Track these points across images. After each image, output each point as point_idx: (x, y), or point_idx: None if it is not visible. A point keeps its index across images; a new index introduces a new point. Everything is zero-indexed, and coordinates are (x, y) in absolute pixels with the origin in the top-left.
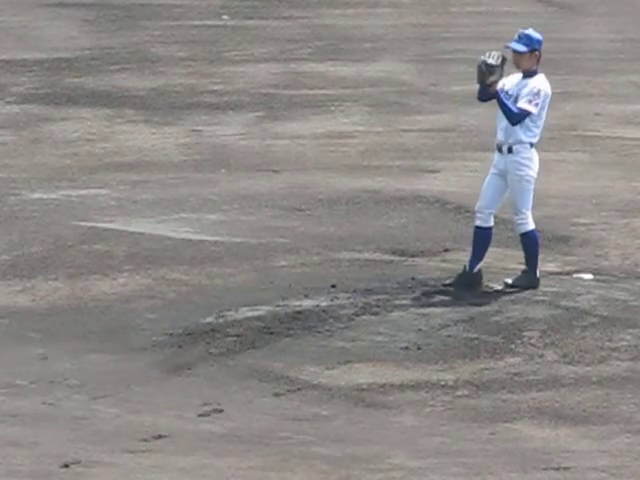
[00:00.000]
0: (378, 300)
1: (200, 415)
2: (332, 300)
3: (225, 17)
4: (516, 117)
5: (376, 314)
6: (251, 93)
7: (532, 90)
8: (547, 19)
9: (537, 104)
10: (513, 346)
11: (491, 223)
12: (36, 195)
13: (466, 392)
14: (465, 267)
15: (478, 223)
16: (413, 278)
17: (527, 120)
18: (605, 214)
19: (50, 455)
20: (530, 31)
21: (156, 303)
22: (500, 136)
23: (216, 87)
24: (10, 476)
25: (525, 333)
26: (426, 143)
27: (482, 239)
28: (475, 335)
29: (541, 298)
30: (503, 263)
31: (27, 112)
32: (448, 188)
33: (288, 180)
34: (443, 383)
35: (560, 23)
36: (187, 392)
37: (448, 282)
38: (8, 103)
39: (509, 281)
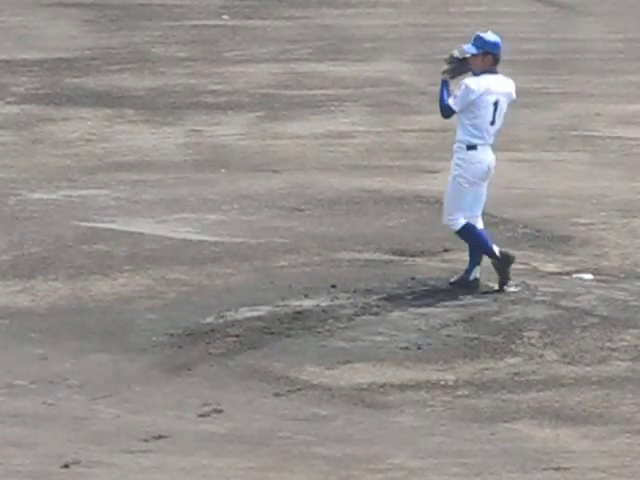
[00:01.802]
0: (378, 300)
1: (200, 415)
2: (332, 300)
3: (225, 17)
4: (441, 109)
5: (376, 314)
6: (251, 93)
7: (459, 85)
8: (547, 19)
9: (455, 96)
10: (513, 346)
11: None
12: (36, 195)
13: (466, 392)
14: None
15: None
16: (413, 278)
17: (464, 119)
18: (605, 214)
19: (50, 455)
20: (487, 34)
21: (156, 303)
22: None
23: (216, 87)
24: (10, 476)
25: (525, 333)
26: (426, 143)
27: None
28: (475, 335)
29: (541, 298)
30: None
31: (27, 112)
32: None
33: (288, 180)
34: (443, 383)
35: (560, 23)
36: (187, 392)
37: (453, 280)
38: (8, 103)
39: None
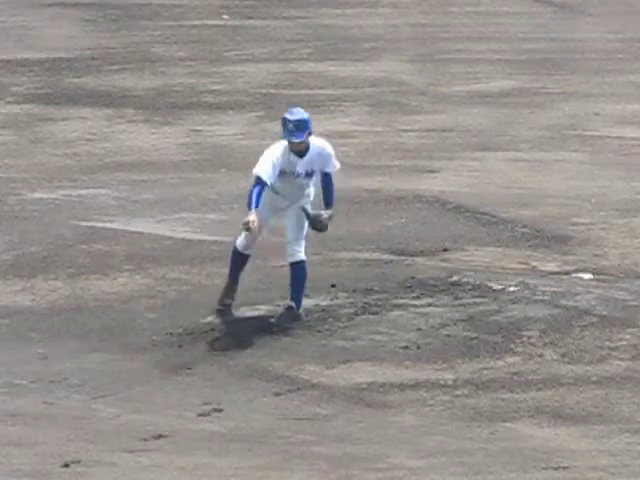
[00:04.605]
0: (378, 300)
1: (200, 415)
2: (332, 300)
3: (225, 17)
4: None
5: (376, 314)
6: (251, 93)
7: (329, 154)
8: (547, 19)
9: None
10: (512, 345)
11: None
12: (36, 195)
13: (466, 391)
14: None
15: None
16: (413, 278)
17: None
18: (604, 214)
19: (50, 454)
20: (300, 114)
21: (156, 303)
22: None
23: (216, 87)
24: (10, 476)
25: (524, 332)
26: (426, 143)
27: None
28: (475, 335)
29: (540, 297)
30: (503, 263)
31: (27, 112)
32: (447, 188)
33: None
34: (443, 382)
35: (560, 23)
36: (187, 392)
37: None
38: (8, 103)
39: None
